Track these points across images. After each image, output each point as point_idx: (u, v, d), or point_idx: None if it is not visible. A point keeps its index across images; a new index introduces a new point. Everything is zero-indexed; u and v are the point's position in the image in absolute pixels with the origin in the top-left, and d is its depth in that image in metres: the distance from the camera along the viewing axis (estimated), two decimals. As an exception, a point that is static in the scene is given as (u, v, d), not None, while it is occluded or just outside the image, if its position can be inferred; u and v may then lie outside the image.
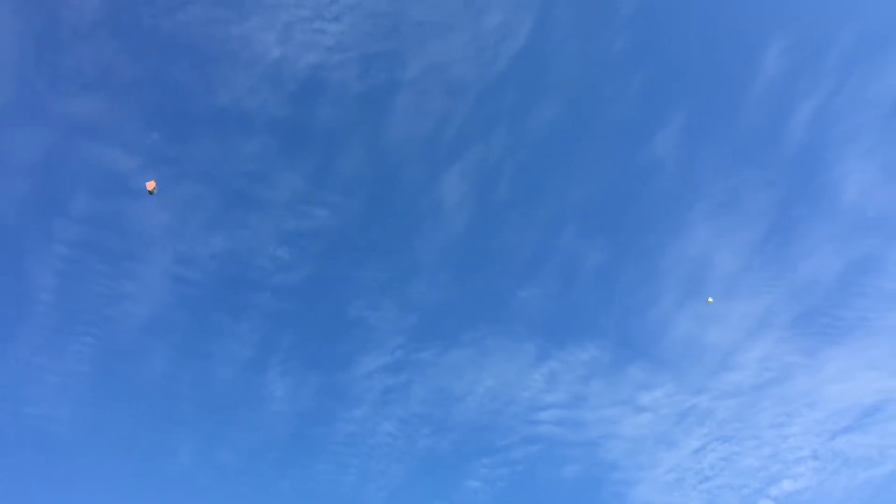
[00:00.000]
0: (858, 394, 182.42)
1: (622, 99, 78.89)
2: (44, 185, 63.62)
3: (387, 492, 75.67)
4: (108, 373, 64.39)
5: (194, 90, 66.69)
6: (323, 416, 70.38)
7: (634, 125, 78.74)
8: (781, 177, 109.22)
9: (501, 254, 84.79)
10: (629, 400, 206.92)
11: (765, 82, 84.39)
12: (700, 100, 79.48)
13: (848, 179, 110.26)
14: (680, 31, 76.99)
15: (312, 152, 69.90)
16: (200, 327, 66.37)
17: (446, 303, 79.75)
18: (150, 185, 49.60)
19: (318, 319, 71.12)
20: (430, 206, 74.84)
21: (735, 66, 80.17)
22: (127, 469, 62.63)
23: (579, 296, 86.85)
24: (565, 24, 75.24)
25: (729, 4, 76.94)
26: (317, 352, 71.15)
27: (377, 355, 74.06)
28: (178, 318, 65.83)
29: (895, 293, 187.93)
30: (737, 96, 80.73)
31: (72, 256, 63.67)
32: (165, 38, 62.90)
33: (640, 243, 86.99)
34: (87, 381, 63.61)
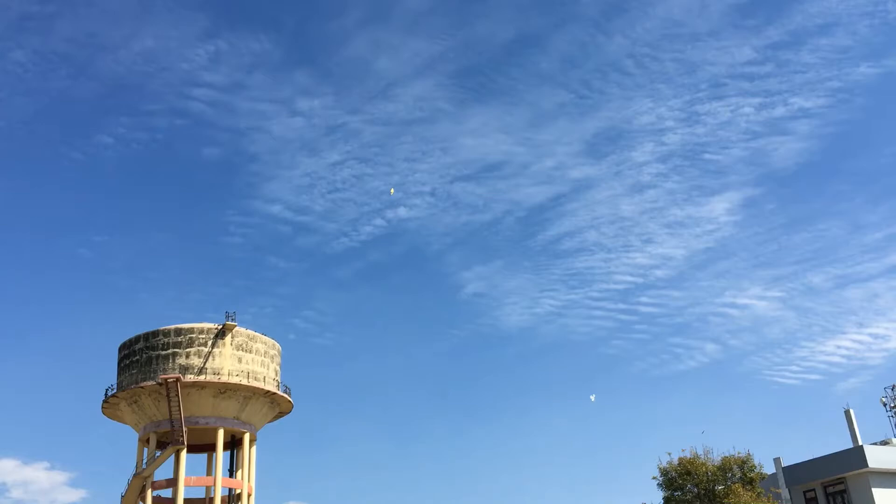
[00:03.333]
0: (486, 150, 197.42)
1: None
2: None
3: (2, 123, 68.14)
4: None
5: None
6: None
7: None
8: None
9: None
10: (288, 101, 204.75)
11: None
12: None
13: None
14: None
15: None
16: None
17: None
18: None
19: None
20: None
21: None
22: None
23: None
24: None
25: None
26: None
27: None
28: None
29: (547, 73, 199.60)
30: None
31: None
32: None
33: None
34: None
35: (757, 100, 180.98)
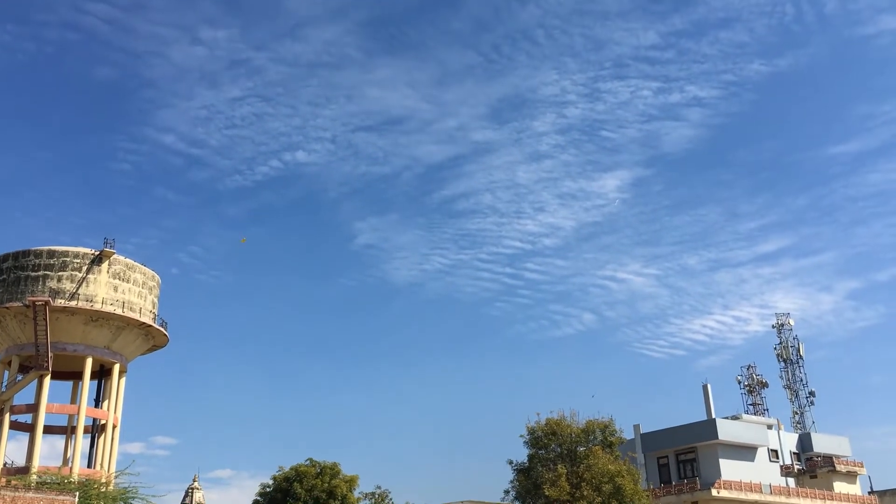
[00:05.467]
0: (391, 103, 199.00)
1: None
2: None
3: None
4: None
5: None
6: None
7: None
8: None
9: None
10: (191, 28, 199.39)
11: None
12: None
13: None
14: None
15: None
16: None
17: None
18: None
19: None
20: None
21: None
22: None
23: None
24: None
25: None
26: None
27: None
28: None
29: (458, 33, 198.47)
30: None
31: None
32: None
33: None
34: None
35: (656, 84, 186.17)
